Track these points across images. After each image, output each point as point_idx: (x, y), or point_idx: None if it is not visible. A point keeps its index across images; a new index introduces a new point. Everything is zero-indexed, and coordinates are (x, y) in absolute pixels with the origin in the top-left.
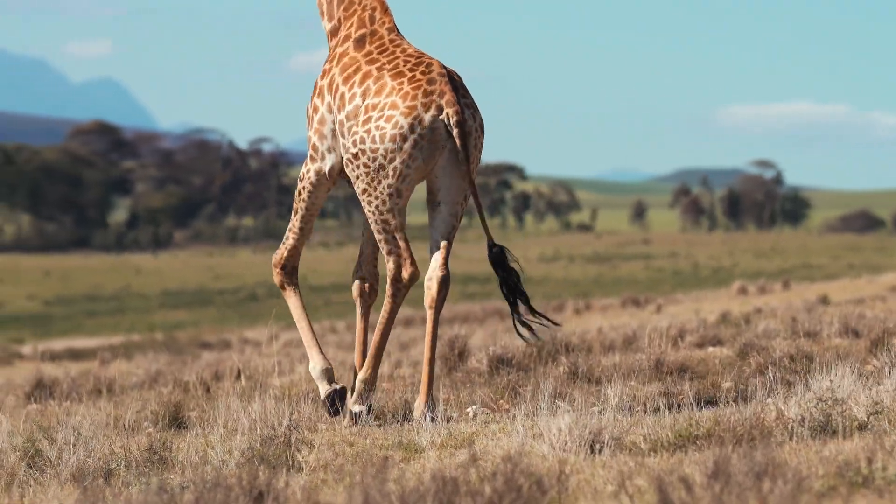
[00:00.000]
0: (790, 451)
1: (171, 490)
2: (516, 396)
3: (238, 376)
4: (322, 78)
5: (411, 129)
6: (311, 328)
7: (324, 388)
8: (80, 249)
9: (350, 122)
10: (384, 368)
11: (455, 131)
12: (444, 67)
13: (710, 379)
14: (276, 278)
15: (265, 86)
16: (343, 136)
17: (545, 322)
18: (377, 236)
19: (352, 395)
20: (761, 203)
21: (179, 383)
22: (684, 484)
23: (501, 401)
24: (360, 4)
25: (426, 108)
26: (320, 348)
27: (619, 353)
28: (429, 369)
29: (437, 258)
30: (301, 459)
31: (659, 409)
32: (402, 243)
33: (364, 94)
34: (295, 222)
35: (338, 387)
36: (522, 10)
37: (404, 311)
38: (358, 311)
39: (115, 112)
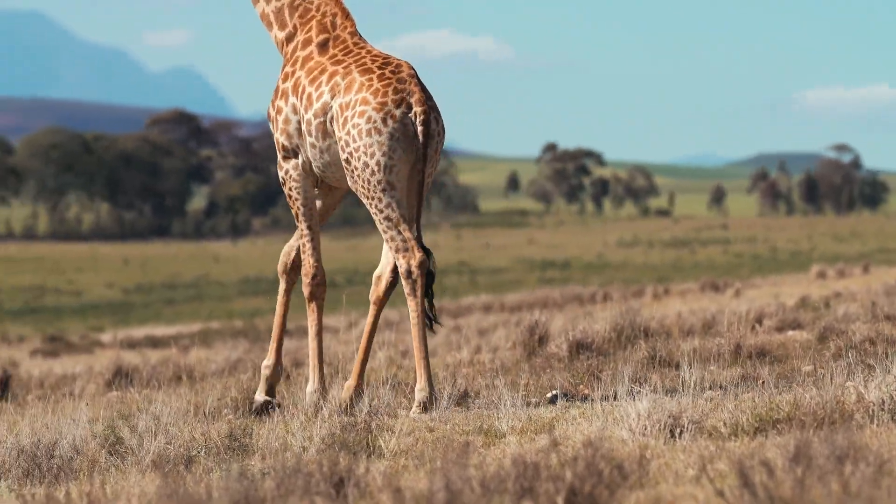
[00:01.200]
0: (871, 435)
1: (252, 476)
2: (596, 381)
3: None
4: (284, 81)
5: (384, 122)
6: (321, 352)
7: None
8: (159, 237)
9: (318, 119)
10: (463, 354)
11: (420, 129)
12: (413, 70)
13: (789, 363)
14: (306, 290)
15: None
16: (310, 135)
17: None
18: (384, 235)
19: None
20: (839, 187)
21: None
22: (765, 468)
23: (581, 385)
24: (318, 11)
25: (396, 104)
26: (322, 374)
27: (699, 337)
28: (363, 357)
29: (388, 256)
30: (382, 445)
31: (739, 393)
32: (406, 234)
33: (332, 92)
34: (302, 227)
35: (273, 401)
36: None
37: (483, 299)
38: (281, 287)
39: (193, 100)
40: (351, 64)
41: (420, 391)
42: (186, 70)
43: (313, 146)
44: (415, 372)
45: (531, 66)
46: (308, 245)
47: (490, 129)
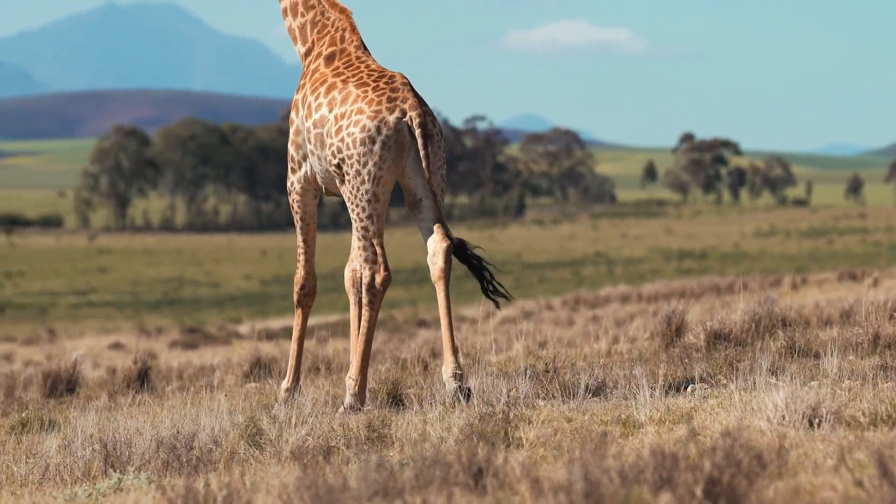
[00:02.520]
0: None
1: (391, 467)
2: (734, 371)
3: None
4: (297, 93)
5: (378, 130)
6: (300, 354)
7: (277, 406)
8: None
9: (317, 129)
10: (601, 345)
11: (417, 131)
12: (406, 79)
13: None
14: (295, 297)
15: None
16: (310, 143)
17: (503, 293)
18: (356, 243)
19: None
20: None
21: (397, 361)
22: None
23: (719, 376)
24: (332, 26)
25: (390, 111)
26: (298, 373)
27: (837, 327)
28: (449, 335)
29: (436, 233)
30: (520, 436)
31: (878, 383)
32: (378, 249)
33: (330, 105)
34: (298, 238)
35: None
36: None
37: (620, 290)
38: (352, 301)
39: None
40: (349, 77)
41: (350, 387)
42: None
43: (312, 153)
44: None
45: (666, 56)
46: (302, 256)
47: (626, 120)
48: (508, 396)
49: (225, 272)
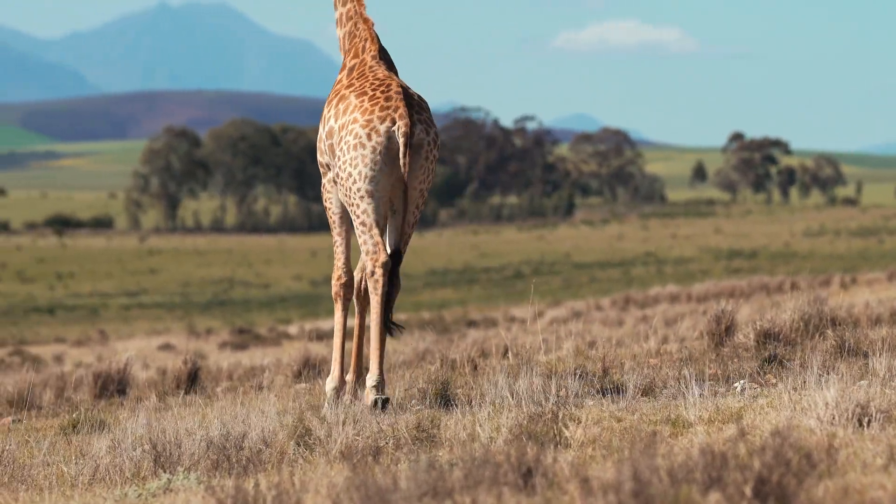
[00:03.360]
0: None
1: (440, 467)
2: (784, 370)
3: (505, 353)
4: (326, 106)
5: (368, 136)
6: (343, 346)
7: (326, 405)
8: None
9: (329, 140)
10: (650, 344)
11: (401, 140)
12: (404, 89)
13: None
14: (333, 289)
15: (529, 64)
16: (326, 154)
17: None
18: (359, 239)
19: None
20: None
21: (446, 361)
22: None
23: (769, 375)
24: (359, 37)
25: (381, 120)
26: (343, 366)
27: (886, 326)
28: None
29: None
30: (569, 435)
31: None
32: (375, 238)
33: (336, 116)
34: (333, 233)
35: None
36: None
37: (670, 290)
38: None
39: None
40: (356, 88)
41: (370, 378)
42: None
43: (330, 164)
44: (599, 363)
45: (716, 55)
46: (338, 249)
47: (676, 119)
48: (558, 396)
49: (275, 273)
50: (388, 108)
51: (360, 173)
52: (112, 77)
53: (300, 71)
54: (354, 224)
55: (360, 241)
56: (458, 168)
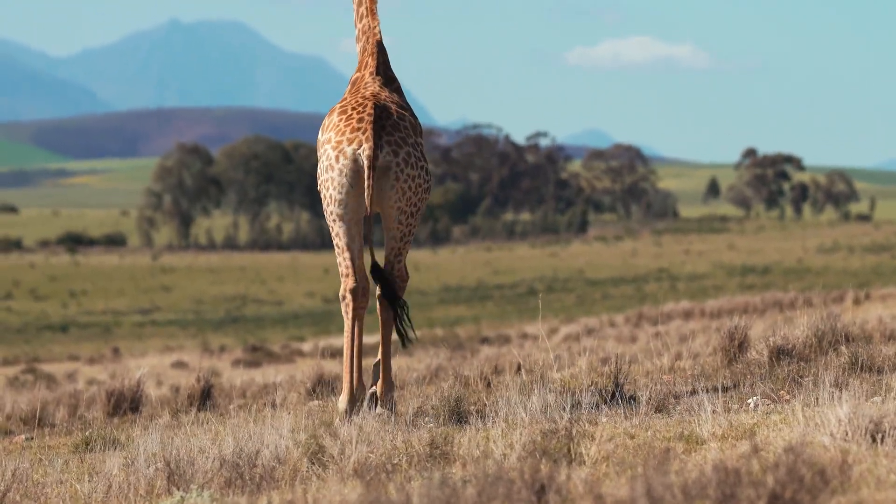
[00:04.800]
0: None
1: (453, 484)
2: (797, 387)
3: (518, 370)
4: None
5: (336, 159)
6: (353, 360)
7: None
8: None
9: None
10: (663, 361)
11: (365, 163)
12: (383, 108)
13: None
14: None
15: (542, 80)
16: None
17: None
18: (337, 257)
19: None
20: None
21: (460, 378)
22: None
23: (782, 391)
24: (366, 52)
25: (350, 142)
26: (353, 383)
27: None
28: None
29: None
30: (582, 452)
31: None
32: (347, 262)
33: (322, 129)
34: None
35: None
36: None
37: (683, 306)
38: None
39: None
40: (344, 105)
41: (341, 402)
42: None
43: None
44: (612, 379)
45: (729, 71)
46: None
47: (689, 135)
48: (571, 413)
49: (288, 290)
50: (357, 129)
51: (331, 196)
52: (124, 94)
53: (312, 87)
54: (334, 242)
55: (338, 261)
56: (470, 185)
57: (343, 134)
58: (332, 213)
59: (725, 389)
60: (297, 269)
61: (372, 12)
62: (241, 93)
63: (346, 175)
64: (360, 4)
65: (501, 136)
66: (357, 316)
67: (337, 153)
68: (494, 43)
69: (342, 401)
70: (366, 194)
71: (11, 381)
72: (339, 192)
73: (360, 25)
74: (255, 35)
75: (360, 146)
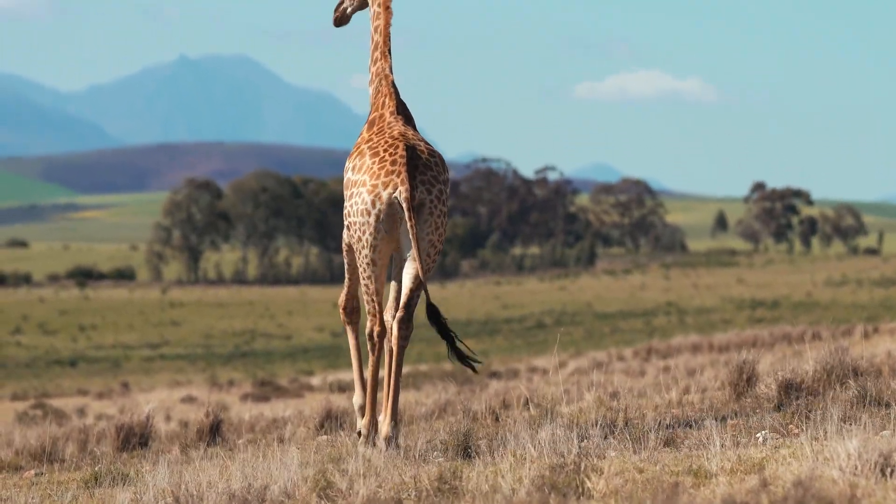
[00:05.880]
0: None
1: None
2: (806, 421)
3: (526, 404)
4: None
5: (373, 204)
6: (361, 367)
7: (359, 422)
8: None
9: (347, 191)
10: (672, 395)
11: (404, 205)
12: (412, 148)
13: None
14: (341, 316)
15: (550, 114)
16: (347, 200)
17: (472, 359)
18: (363, 297)
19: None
20: None
21: (468, 412)
22: None
23: (791, 425)
24: (381, 93)
25: (385, 186)
26: (364, 385)
27: None
28: (393, 396)
29: (401, 302)
30: (591, 486)
31: None
32: (376, 306)
33: (353, 170)
34: (347, 272)
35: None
36: (804, 34)
37: (691, 339)
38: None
39: None
40: (373, 145)
41: (363, 427)
42: None
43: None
44: (621, 413)
45: (737, 105)
46: (347, 283)
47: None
48: (580, 447)
49: (297, 324)
50: (392, 172)
51: (366, 240)
52: (133, 129)
53: (321, 122)
54: (361, 283)
55: (364, 300)
56: (479, 219)
57: (378, 178)
58: (365, 256)
59: (734, 423)
60: (306, 304)
61: (384, 55)
62: (249, 127)
63: (382, 221)
64: (375, 49)
65: (510, 169)
66: (382, 349)
67: (373, 197)
68: (503, 77)
69: (364, 424)
70: (410, 234)
71: (21, 415)
72: (375, 238)
73: (374, 69)
74: (264, 70)
75: (396, 189)
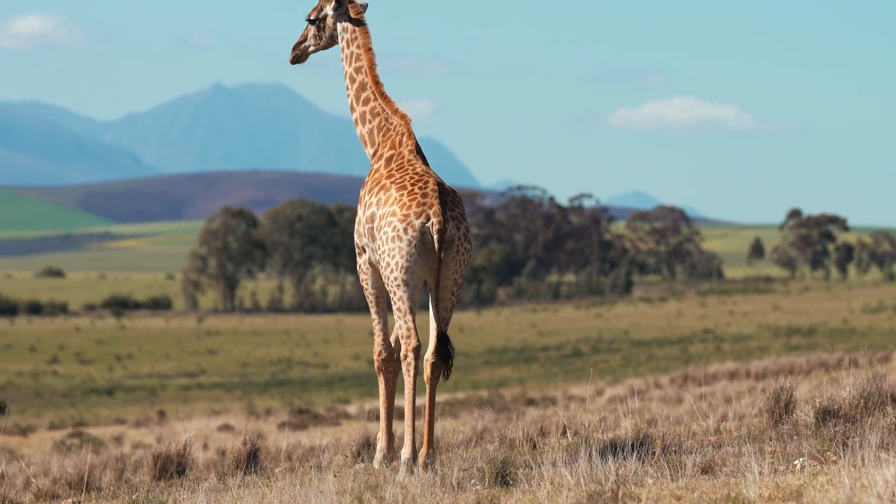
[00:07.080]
0: None
1: None
2: (844, 448)
3: (564, 432)
4: (362, 188)
5: (405, 230)
6: (390, 417)
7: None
8: None
9: (369, 224)
10: (709, 422)
11: (435, 237)
12: (440, 185)
13: None
14: (375, 364)
15: (585, 141)
16: (365, 236)
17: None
18: (396, 321)
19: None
20: None
21: (505, 440)
22: None
23: (829, 452)
24: (394, 130)
25: (417, 216)
26: (391, 436)
27: None
28: (428, 428)
29: (431, 344)
30: None
31: None
32: (409, 324)
33: (378, 204)
34: (371, 312)
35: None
36: (839, 62)
37: (728, 367)
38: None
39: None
40: (396, 179)
41: (404, 453)
42: (429, 140)
43: (367, 245)
44: (658, 440)
45: (773, 132)
46: (377, 328)
47: (733, 196)
48: (617, 474)
49: (333, 353)
50: (424, 203)
51: (397, 263)
52: (168, 158)
53: (356, 150)
54: (394, 307)
55: (397, 324)
56: (515, 246)
57: (409, 208)
58: (396, 278)
59: (772, 451)
60: (343, 332)
61: (382, 95)
62: (285, 156)
63: (414, 246)
64: (362, 89)
65: (546, 197)
66: (416, 372)
67: (405, 225)
68: (538, 105)
69: (405, 452)
70: (436, 266)
71: (58, 444)
72: (408, 261)
73: (364, 108)
74: (299, 98)
75: (429, 220)
